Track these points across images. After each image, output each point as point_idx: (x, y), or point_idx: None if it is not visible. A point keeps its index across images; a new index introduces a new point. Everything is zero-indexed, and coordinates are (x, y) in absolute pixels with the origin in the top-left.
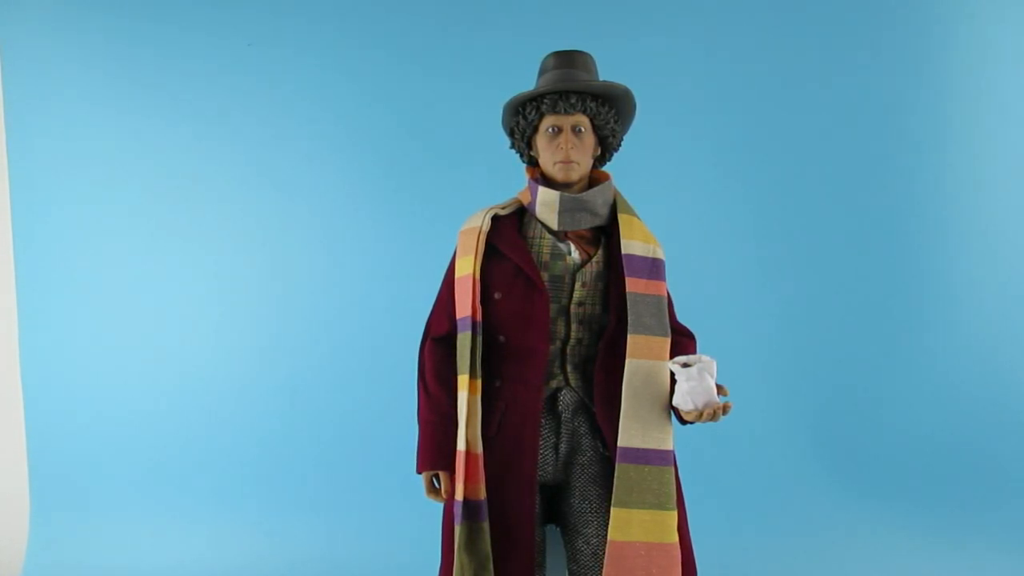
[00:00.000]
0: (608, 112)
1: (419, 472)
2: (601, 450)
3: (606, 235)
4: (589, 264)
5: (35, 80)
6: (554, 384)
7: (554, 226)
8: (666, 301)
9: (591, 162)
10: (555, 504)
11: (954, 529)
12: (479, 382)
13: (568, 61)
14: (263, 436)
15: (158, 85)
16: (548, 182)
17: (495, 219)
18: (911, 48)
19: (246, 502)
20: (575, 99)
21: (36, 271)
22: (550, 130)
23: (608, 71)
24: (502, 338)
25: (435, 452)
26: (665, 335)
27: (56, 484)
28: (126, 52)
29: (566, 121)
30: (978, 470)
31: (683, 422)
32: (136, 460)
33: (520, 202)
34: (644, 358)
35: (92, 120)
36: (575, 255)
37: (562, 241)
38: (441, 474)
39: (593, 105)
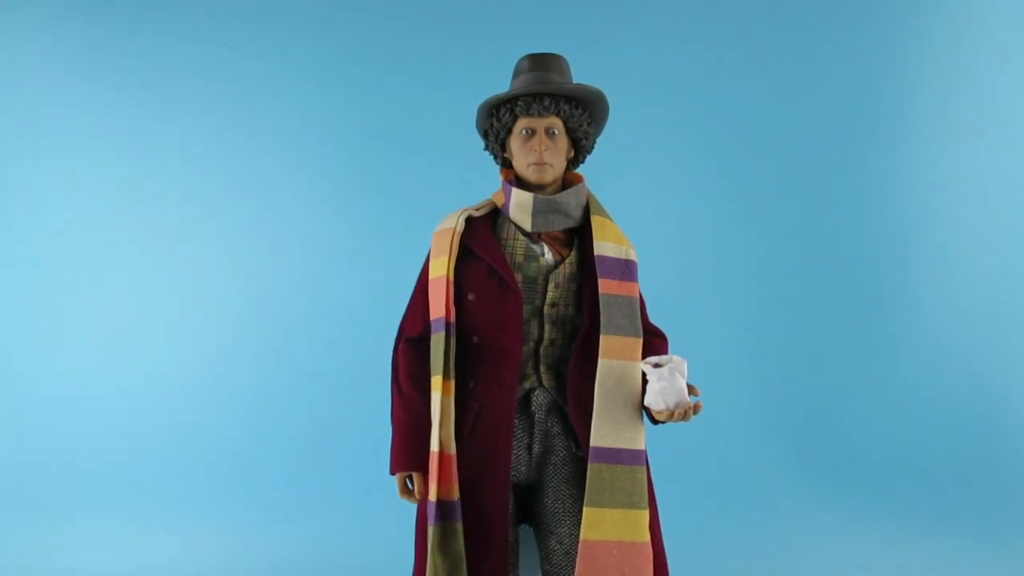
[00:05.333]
0: (581, 115)
1: (392, 473)
2: (574, 450)
3: (579, 236)
4: (562, 265)
5: (4, 76)
6: (527, 385)
7: (528, 227)
8: (638, 302)
9: (564, 164)
10: (528, 504)
11: (922, 526)
12: (453, 383)
13: (542, 63)
14: (235, 437)
15: (129, 84)
16: (522, 184)
17: (469, 220)
18: (888, 60)
19: (216, 503)
20: (549, 101)
21: (5, 272)
22: (524, 132)
23: (582, 73)
24: (476, 339)
25: (409, 453)
26: (637, 336)
27: (22, 487)
28: (98, 52)
29: (540, 123)
30: (947, 470)
31: (654, 422)
32: (104, 462)
33: (494, 203)
34: (616, 358)
35: (62, 120)
36: (548, 256)
37: (536, 242)
38: (415, 475)
39: (567, 107)
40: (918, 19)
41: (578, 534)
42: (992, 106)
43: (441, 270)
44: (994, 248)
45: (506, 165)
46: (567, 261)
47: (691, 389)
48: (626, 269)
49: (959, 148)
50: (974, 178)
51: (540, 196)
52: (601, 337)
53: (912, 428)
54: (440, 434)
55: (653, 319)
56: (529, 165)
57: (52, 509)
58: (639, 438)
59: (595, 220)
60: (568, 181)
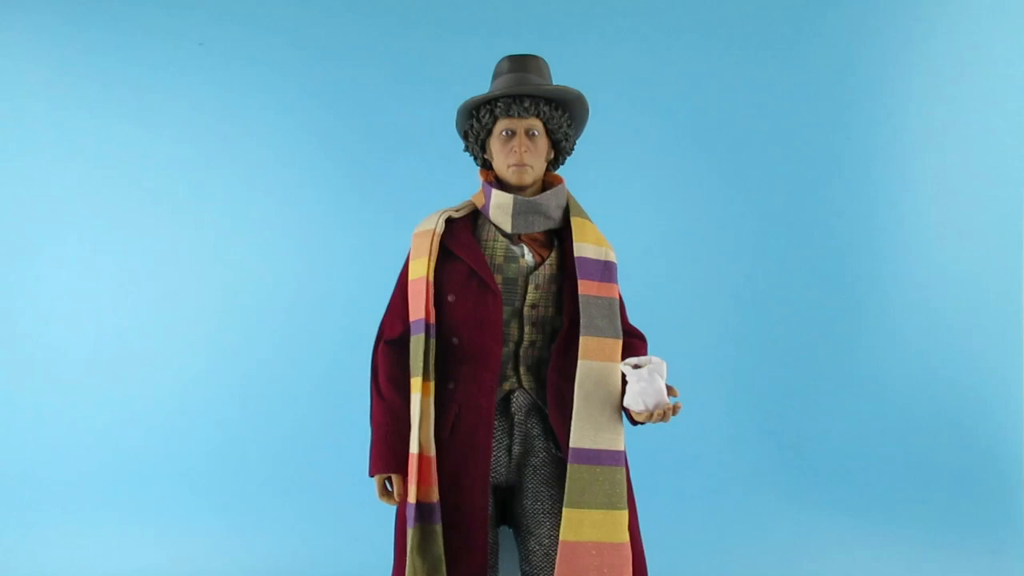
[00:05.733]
0: (561, 116)
1: (372, 475)
2: (554, 451)
3: (559, 238)
4: (542, 267)
5: None
6: (507, 386)
7: (508, 229)
8: (618, 303)
9: (544, 165)
10: (508, 505)
11: (902, 527)
12: (432, 384)
13: (522, 65)
14: (214, 440)
15: (111, 86)
16: (502, 185)
17: (449, 221)
18: (865, 60)
19: (196, 507)
20: (529, 103)
21: None
22: (504, 133)
23: (563, 74)
24: (455, 340)
25: (388, 455)
26: (617, 337)
27: (13, 490)
28: (75, 50)
29: (520, 124)
30: (925, 471)
31: (634, 423)
32: (84, 467)
33: (474, 205)
34: (596, 360)
35: (41, 119)
36: (528, 258)
37: (516, 244)
38: (394, 477)
39: (547, 109)
40: (903, 21)
41: (558, 535)
42: (969, 110)
43: (421, 271)
44: (968, 253)
45: (486, 166)
46: (547, 262)
47: (670, 390)
48: (606, 270)
49: (934, 151)
50: (948, 182)
51: (520, 197)
52: (581, 338)
53: (892, 431)
54: (419, 436)
55: (633, 320)
56: (509, 166)
57: (44, 513)
58: (619, 439)
59: (575, 221)
60: (548, 182)
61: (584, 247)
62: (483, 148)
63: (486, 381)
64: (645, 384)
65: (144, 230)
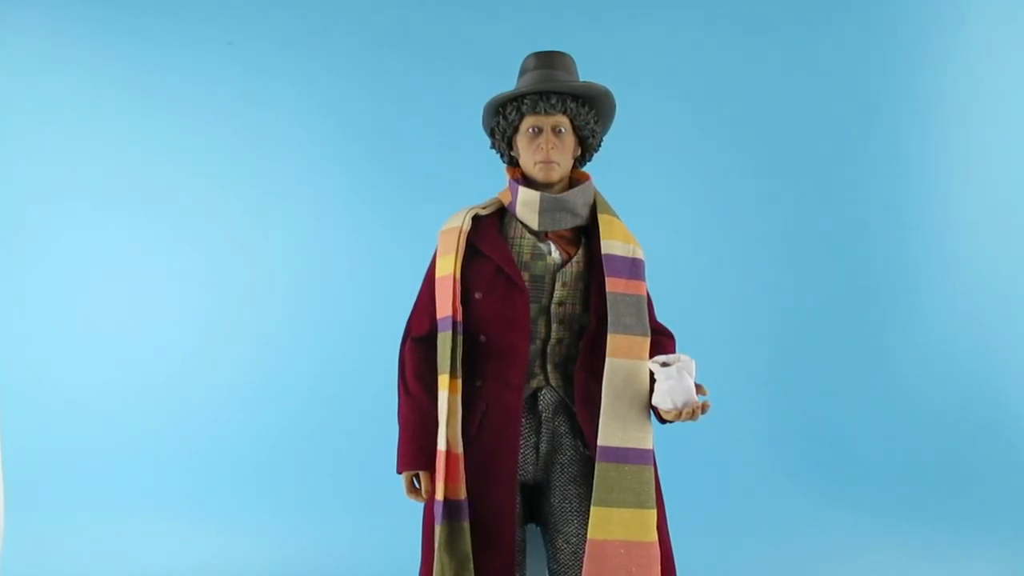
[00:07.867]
0: (588, 113)
1: (399, 472)
2: (581, 449)
3: (586, 235)
4: (570, 264)
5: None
6: (535, 384)
7: (535, 226)
8: (646, 301)
9: (571, 162)
10: (536, 503)
11: (928, 529)
12: (460, 382)
13: (548, 62)
14: (243, 435)
15: (136, 80)
16: (529, 182)
17: (476, 219)
18: (892, 57)
19: (226, 503)
20: (555, 100)
21: (7, 265)
22: (531, 130)
23: (589, 70)
24: (483, 338)
25: (416, 452)
26: (645, 334)
27: (32, 485)
28: (104, 45)
29: (546, 121)
30: (953, 472)
31: (662, 421)
32: (114, 460)
33: (501, 202)
34: (624, 357)
35: (71, 114)
36: (556, 255)
37: (543, 241)
38: (421, 474)
39: (573, 106)
40: (938, 13)
41: (585, 533)
42: (1008, 108)
43: (448, 269)
44: (1001, 254)
45: (513, 163)
46: (574, 260)
47: (699, 388)
48: (633, 268)
49: (970, 152)
50: (983, 183)
51: (547, 194)
52: (608, 336)
53: (924, 431)
54: (447, 433)
55: (660, 318)
56: (536, 163)
57: (62, 509)
58: (647, 437)
59: (602, 219)
60: (575, 179)
61: (612, 244)
62: (510, 145)
63: (513, 379)
64: (674, 382)
65: (182, 224)
